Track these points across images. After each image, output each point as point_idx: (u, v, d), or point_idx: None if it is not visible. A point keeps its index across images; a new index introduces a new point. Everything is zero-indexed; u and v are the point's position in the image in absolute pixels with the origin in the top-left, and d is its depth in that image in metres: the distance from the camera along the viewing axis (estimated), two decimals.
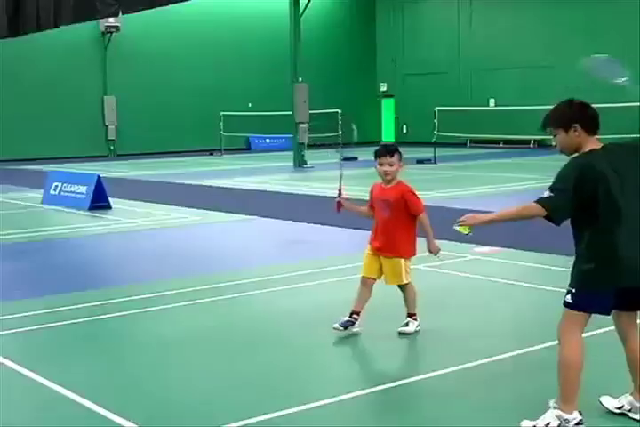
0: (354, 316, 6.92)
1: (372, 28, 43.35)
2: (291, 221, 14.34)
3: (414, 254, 6.99)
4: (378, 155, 6.80)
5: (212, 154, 35.37)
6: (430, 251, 6.89)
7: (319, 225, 13.69)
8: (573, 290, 4.75)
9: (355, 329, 6.91)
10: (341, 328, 6.85)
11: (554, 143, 4.86)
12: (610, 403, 5.12)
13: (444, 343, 6.85)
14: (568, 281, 4.83)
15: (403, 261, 6.86)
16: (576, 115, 4.74)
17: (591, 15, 34.20)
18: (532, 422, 4.81)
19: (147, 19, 32.73)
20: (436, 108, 29.90)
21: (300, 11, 28.32)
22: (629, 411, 5.04)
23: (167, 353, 6.76)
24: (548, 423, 4.75)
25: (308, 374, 6.16)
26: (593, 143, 4.73)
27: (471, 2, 38.91)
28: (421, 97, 39.45)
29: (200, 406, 5.47)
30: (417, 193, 6.97)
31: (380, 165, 6.80)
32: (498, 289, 9.00)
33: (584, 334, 4.87)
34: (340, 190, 7.01)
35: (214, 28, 37.58)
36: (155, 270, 10.30)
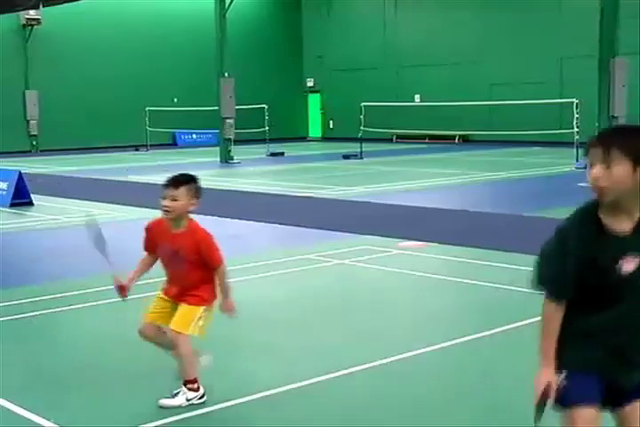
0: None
1: (299, 24, 43.35)
2: (217, 217, 14.23)
3: (212, 301, 5.49)
4: (163, 185, 5.43)
5: (137, 150, 34.97)
6: (225, 309, 5.46)
7: (245, 221, 13.63)
8: None
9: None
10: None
11: (595, 171, 3.19)
12: None
13: (365, 338, 6.87)
14: None
15: (202, 309, 5.39)
16: None
17: (514, 15, 34.71)
18: None
19: (69, 12, 32.23)
20: (362, 104, 30.02)
21: (226, 5, 28.17)
22: None
23: (90, 351, 6.66)
24: None
25: (232, 371, 6.12)
26: None
27: None
28: (348, 93, 39.59)
29: (122, 404, 5.41)
30: (213, 238, 5.44)
31: (163, 198, 5.34)
32: (422, 283, 9.07)
33: None
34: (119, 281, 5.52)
35: (139, 22, 37.17)
36: (79, 267, 10.12)
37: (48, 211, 15.55)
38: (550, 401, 3.34)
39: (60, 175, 23.68)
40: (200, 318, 5.36)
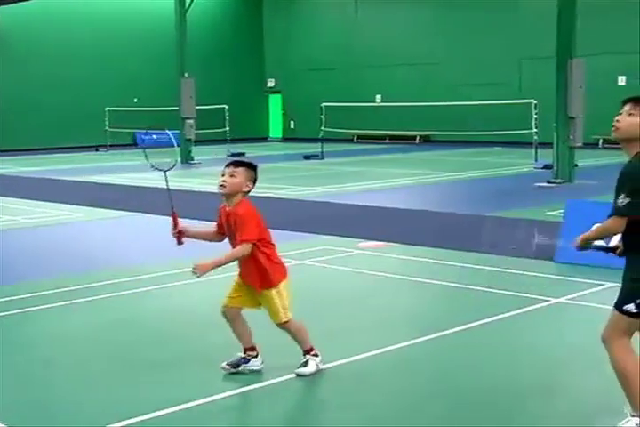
0: (248, 353, 5.96)
1: (260, 24, 43.27)
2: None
3: (283, 279, 5.82)
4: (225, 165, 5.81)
5: (97, 150, 34.71)
6: (195, 265, 5.67)
7: (205, 222, 13.53)
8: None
9: (251, 367, 5.92)
10: (228, 367, 5.90)
11: (618, 119, 4.58)
12: None
13: (325, 338, 6.88)
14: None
15: (274, 291, 5.73)
16: None
17: (474, 16, 34.94)
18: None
19: (26, 11, 31.93)
20: (323, 104, 30.07)
21: (186, 5, 28.06)
22: None
23: (51, 352, 6.59)
24: None
25: (197, 372, 6.09)
26: None
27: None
28: (309, 93, 39.59)
29: (83, 405, 5.36)
30: (254, 215, 5.71)
31: (222, 175, 5.74)
32: (382, 283, 9.09)
33: None
34: (174, 215, 6.01)
35: (99, 22, 36.82)
36: (36, 269, 10.04)
37: (6, 212, 15.36)
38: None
39: (19, 176, 23.44)
40: (278, 302, 5.72)
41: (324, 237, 11.76)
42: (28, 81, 35.28)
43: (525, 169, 22.39)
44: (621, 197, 4.37)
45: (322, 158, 27.68)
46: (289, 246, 11.04)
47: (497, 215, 13.41)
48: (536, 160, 23.46)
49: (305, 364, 5.82)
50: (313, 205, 15.51)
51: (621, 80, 31.74)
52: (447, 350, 6.52)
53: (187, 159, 27.58)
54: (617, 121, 4.56)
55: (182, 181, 21.14)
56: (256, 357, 5.95)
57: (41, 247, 11.72)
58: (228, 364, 5.92)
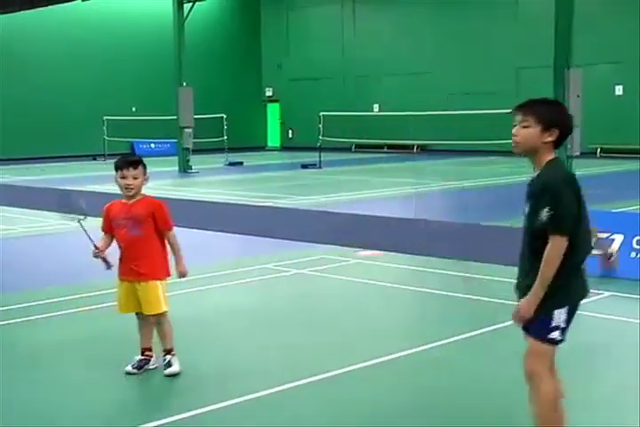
0: (146, 353, 6.23)
1: (257, 34, 43.38)
2: (175, 227, 14.11)
3: (169, 275, 6.20)
4: (119, 167, 6.09)
5: (95, 159, 34.70)
6: (179, 272, 6.14)
7: (203, 230, 13.56)
8: (561, 324, 4.33)
9: (151, 366, 6.20)
10: (135, 371, 6.10)
11: (514, 132, 4.28)
12: None
13: (323, 350, 6.87)
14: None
15: (159, 283, 6.09)
16: (563, 119, 4.31)
17: (471, 26, 35.06)
18: None
19: (26, 18, 31.94)
20: (321, 114, 30.10)
21: (185, 14, 28.12)
22: None
23: (39, 365, 6.58)
24: None
25: (197, 379, 6.08)
26: (551, 153, 4.36)
27: (354, 10, 39.42)
28: (307, 102, 39.67)
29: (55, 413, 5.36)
30: (166, 205, 6.24)
31: (123, 177, 6.06)
32: (380, 292, 9.08)
33: None
34: (95, 247, 6.26)
35: (97, 31, 36.89)
36: (30, 279, 10.01)
37: (3, 221, 15.35)
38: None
39: (20, 185, 23.43)
40: (161, 293, 6.06)
41: (323, 246, 11.75)
42: (26, 90, 35.26)
43: (524, 178, 22.35)
44: (546, 209, 4.11)
45: (320, 167, 27.70)
46: (287, 255, 11.05)
47: (496, 224, 13.40)
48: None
49: (169, 364, 6.08)
50: (310, 215, 15.51)
51: (619, 89, 31.82)
52: (439, 362, 6.50)
53: (184, 168, 27.61)
54: (514, 135, 4.28)
55: (179, 190, 21.16)
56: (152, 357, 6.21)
57: (31, 258, 11.68)
58: (133, 367, 6.13)
